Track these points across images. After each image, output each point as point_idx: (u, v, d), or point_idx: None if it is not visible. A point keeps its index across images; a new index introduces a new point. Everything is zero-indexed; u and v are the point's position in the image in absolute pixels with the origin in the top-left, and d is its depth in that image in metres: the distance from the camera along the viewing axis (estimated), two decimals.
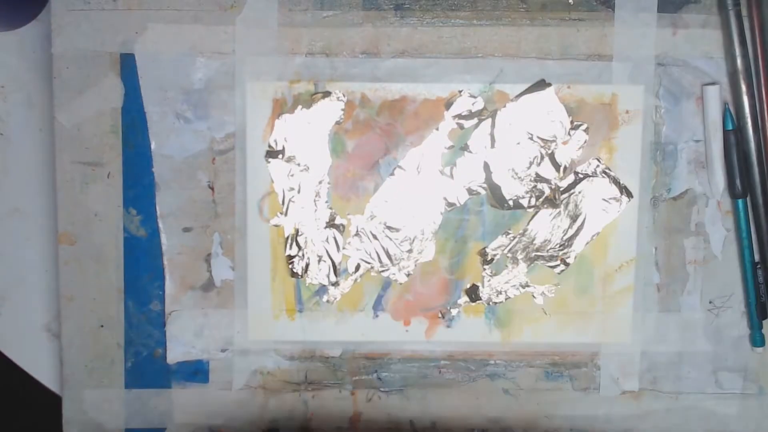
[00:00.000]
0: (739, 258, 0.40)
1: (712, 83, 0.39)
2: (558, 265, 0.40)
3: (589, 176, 0.40)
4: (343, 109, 0.39)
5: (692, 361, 0.40)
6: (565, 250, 0.40)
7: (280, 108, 0.39)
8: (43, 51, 0.41)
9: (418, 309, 0.40)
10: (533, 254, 0.40)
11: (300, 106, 0.39)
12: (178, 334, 0.40)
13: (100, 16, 0.39)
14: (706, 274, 0.40)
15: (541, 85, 0.39)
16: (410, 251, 0.40)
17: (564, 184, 0.40)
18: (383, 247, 0.40)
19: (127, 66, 0.39)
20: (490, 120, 0.39)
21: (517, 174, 0.40)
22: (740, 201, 0.39)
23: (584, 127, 0.39)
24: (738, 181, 0.39)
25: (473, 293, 0.40)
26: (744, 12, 0.38)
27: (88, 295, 0.40)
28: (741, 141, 0.39)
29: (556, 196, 0.40)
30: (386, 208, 0.40)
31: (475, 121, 0.39)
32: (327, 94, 0.39)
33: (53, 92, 0.39)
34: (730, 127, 0.39)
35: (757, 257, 0.40)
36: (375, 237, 0.40)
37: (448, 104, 0.39)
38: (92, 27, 0.39)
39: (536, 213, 0.40)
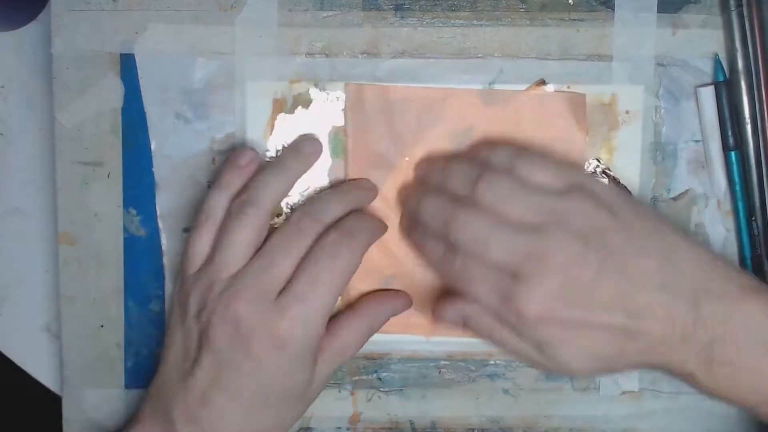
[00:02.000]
0: (733, 212, 0.40)
1: (706, 84, 0.39)
2: None
3: None
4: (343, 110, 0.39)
5: None
6: None
7: (280, 108, 0.39)
8: (43, 51, 0.41)
9: None
10: None
11: (300, 107, 0.39)
12: None
13: (100, 16, 0.39)
14: None
15: (540, 85, 0.39)
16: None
17: None
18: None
19: (127, 66, 0.39)
20: None
21: None
22: (732, 153, 0.39)
23: None
24: (730, 134, 0.39)
25: None
26: (744, 12, 0.38)
27: (88, 295, 0.40)
28: (732, 94, 0.39)
29: None
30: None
31: None
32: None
33: (53, 92, 0.39)
34: (721, 78, 0.39)
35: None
36: None
37: None
38: (92, 27, 0.39)
39: None
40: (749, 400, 0.32)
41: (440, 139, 0.39)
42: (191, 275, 0.35)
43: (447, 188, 0.35)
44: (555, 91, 0.39)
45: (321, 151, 0.39)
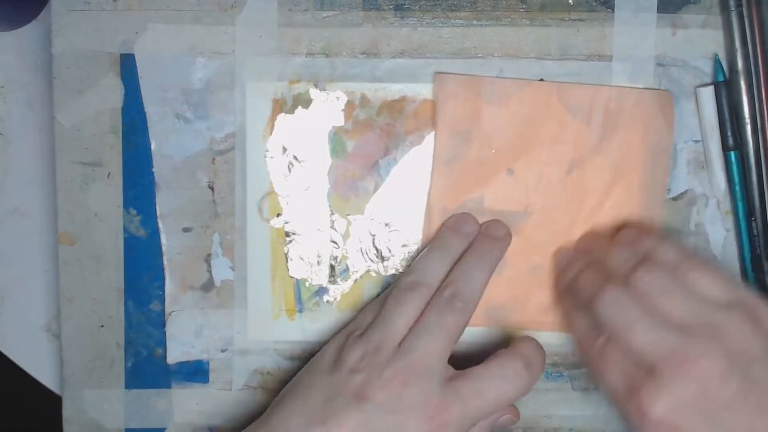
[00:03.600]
0: (733, 212, 0.40)
1: (706, 84, 0.39)
2: None
3: None
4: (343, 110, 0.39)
5: None
6: None
7: (280, 108, 0.39)
8: (43, 51, 0.41)
9: None
10: None
11: (300, 107, 0.39)
12: (178, 334, 0.40)
13: (100, 16, 0.39)
14: None
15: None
16: (410, 251, 0.40)
17: None
18: (383, 247, 0.40)
19: (127, 66, 0.39)
20: None
21: None
22: (732, 153, 0.39)
23: None
24: (730, 134, 0.39)
25: None
26: (744, 12, 0.38)
27: (88, 295, 0.40)
28: (732, 94, 0.39)
29: None
30: (386, 208, 0.40)
31: None
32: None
33: (53, 92, 0.39)
34: (720, 78, 0.39)
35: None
36: (375, 237, 0.40)
37: None
38: (92, 27, 0.39)
39: None
40: None
41: (519, 131, 0.39)
42: (358, 334, 0.36)
43: (605, 266, 0.35)
44: (644, 88, 0.39)
45: (510, 236, 0.39)
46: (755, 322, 0.31)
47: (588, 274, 0.36)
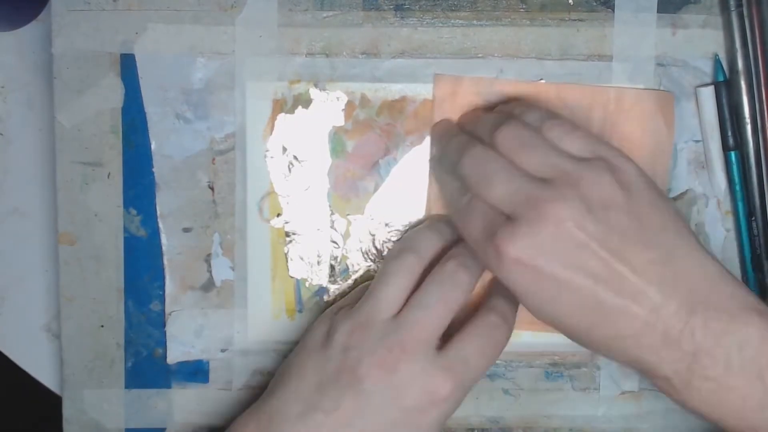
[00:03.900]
0: (733, 212, 0.40)
1: (706, 84, 0.39)
2: None
3: None
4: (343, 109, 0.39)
5: None
6: None
7: (280, 108, 0.39)
8: (43, 51, 0.41)
9: None
10: None
11: (300, 107, 0.39)
12: (178, 334, 0.40)
13: (100, 16, 0.39)
14: None
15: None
16: None
17: None
18: (383, 247, 0.40)
19: (127, 66, 0.39)
20: None
21: None
22: (732, 153, 0.39)
23: None
24: (730, 134, 0.39)
25: None
26: (744, 12, 0.38)
27: (88, 295, 0.40)
28: (732, 94, 0.39)
29: None
30: (386, 208, 0.40)
31: None
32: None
33: (53, 92, 0.39)
34: (721, 78, 0.39)
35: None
36: (375, 237, 0.40)
37: None
38: (92, 27, 0.39)
39: None
40: (729, 422, 0.30)
41: None
42: (347, 309, 0.36)
43: (473, 133, 0.35)
44: (644, 88, 0.39)
45: None
46: (614, 173, 0.31)
47: (456, 139, 0.36)
